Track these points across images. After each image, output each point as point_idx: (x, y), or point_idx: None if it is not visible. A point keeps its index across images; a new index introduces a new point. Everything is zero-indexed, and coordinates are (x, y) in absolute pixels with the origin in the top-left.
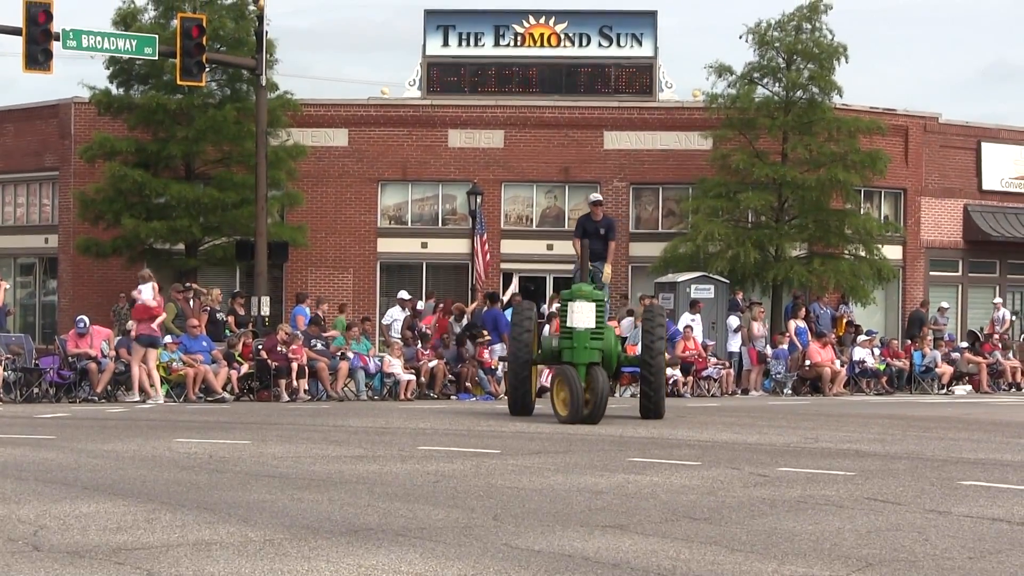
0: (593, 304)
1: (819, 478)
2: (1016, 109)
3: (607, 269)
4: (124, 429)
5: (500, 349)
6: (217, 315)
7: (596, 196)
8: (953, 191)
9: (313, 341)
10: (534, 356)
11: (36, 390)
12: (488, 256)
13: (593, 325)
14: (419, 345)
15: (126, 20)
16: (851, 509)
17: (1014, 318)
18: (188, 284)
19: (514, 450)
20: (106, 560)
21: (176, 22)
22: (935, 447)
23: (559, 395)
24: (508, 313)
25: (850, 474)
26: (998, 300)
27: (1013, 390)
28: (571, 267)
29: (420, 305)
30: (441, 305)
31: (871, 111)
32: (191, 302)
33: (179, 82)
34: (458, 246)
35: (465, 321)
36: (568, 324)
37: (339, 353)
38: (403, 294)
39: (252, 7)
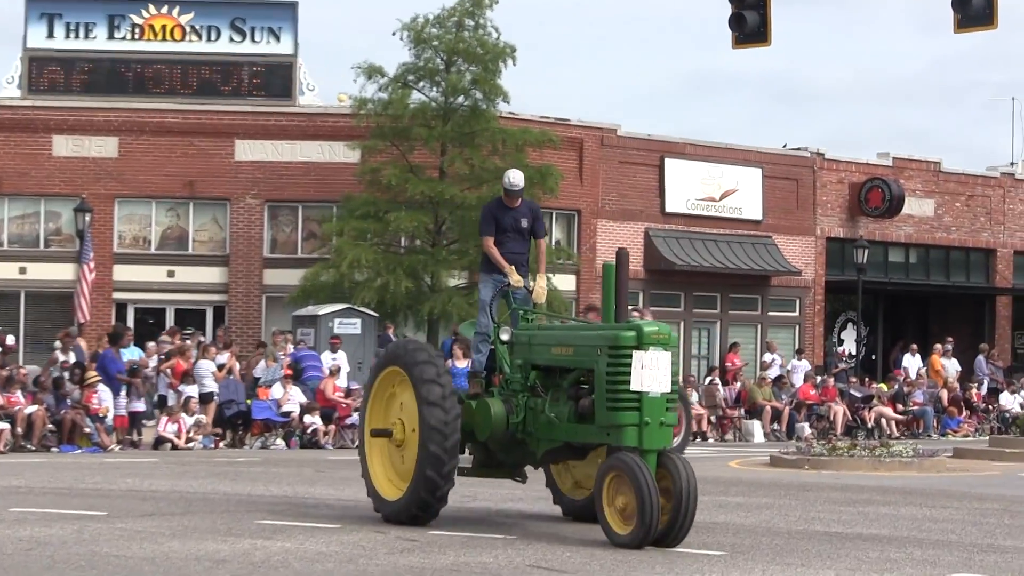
0: (669, 354)
1: (476, 542)
2: (714, 123)
3: (540, 283)
4: None
5: (105, 392)
6: None
7: (516, 173)
8: (633, 213)
9: None
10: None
11: None
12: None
13: (670, 388)
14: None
15: None
16: None
17: None
18: None
19: (123, 512)
20: None
21: None
22: None
23: (615, 502)
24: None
25: (511, 538)
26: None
27: (698, 440)
28: (198, 297)
29: (9, 340)
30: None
31: (542, 121)
32: None
33: None
34: (63, 272)
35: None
36: (633, 387)
37: None
38: None
39: None
